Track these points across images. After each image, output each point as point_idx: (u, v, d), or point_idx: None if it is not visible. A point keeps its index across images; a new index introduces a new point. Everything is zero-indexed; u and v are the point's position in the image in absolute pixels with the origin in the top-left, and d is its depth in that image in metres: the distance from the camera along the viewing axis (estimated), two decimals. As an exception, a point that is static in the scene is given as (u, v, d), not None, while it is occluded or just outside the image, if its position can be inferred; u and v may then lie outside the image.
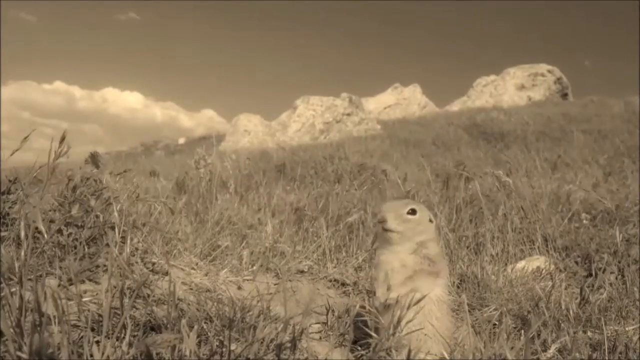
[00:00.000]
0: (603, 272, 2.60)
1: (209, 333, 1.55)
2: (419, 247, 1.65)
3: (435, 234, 1.75)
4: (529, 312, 2.10)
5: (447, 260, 1.66)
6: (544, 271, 2.68)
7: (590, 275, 2.76)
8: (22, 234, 1.37)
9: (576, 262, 2.97)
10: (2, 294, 1.19)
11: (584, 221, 3.54)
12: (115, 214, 2.08)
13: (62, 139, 1.68)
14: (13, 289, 1.27)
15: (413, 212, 1.67)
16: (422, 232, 1.67)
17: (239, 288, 2.29)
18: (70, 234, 1.98)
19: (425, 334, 1.56)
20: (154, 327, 1.50)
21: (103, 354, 1.13)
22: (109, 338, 1.20)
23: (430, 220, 1.73)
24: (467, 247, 2.77)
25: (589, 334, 1.96)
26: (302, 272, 2.54)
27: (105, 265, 1.93)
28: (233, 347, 1.38)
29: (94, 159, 2.55)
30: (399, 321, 1.44)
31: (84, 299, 1.52)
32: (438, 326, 1.58)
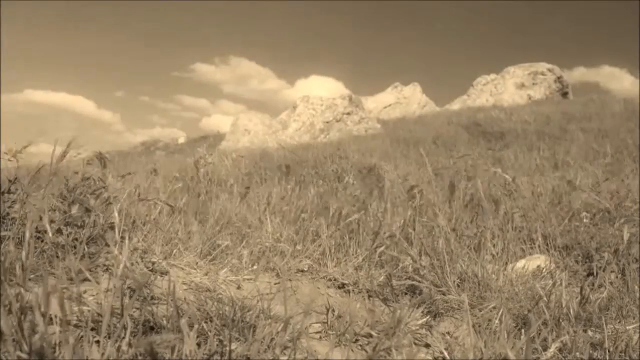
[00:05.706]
0: (604, 271, 2.60)
1: (208, 333, 1.55)
2: None
3: None
4: (529, 310, 2.10)
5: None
6: (544, 270, 2.68)
7: (591, 274, 2.76)
8: (27, 233, 1.37)
9: (576, 261, 2.97)
10: (2, 294, 1.19)
11: (585, 220, 3.54)
12: (115, 213, 2.09)
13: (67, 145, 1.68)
14: (13, 289, 1.27)
15: None
16: None
17: (239, 287, 2.29)
18: (70, 233, 1.99)
19: None
20: (153, 327, 1.50)
21: (103, 354, 1.13)
22: (108, 338, 1.20)
23: None
24: (468, 246, 2.76)
25: (590, 333, 1.96)
26: (302, 271, 2.54)
27: (105, 265, 1.94)
28: (233, 346, 1.38)
29: (100, 158, 2.57)
30: (399, 321, 1.44)
31: (84, 299, 1.52)
32: None
